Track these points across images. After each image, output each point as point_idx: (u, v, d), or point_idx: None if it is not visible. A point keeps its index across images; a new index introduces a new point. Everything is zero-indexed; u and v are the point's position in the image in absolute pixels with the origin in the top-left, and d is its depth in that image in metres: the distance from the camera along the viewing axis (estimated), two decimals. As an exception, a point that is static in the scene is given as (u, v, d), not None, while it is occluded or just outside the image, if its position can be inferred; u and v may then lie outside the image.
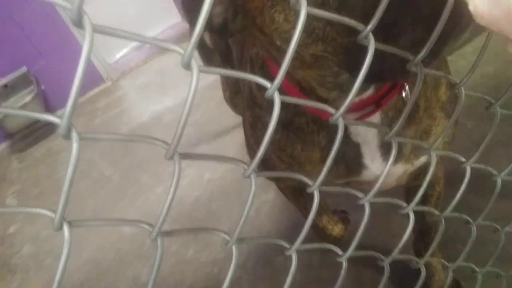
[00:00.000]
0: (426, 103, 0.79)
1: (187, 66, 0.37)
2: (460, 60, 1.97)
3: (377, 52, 0.45)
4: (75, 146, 0.36)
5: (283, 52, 0.61)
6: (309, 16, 0.53)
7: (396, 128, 0.57)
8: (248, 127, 0.92)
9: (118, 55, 3.45)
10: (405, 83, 0.71)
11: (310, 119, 0.78)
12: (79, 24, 0.33)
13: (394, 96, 0.72)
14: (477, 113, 1.60)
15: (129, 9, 3.39)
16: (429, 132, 0.81)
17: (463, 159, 0.70)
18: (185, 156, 0.42)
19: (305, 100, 0.50)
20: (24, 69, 2.99)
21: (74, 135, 0.36)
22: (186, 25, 3.52)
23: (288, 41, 0.57)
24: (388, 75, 0.53)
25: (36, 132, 3.04)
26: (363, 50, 0.45)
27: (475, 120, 1.60)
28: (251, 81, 0.86)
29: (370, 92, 0.70)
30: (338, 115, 0.46)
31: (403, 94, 0.71)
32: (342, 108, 0.46)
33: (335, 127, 0.50)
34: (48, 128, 3.01)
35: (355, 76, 0.48)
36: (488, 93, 0.69)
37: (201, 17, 0.36)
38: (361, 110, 0.71)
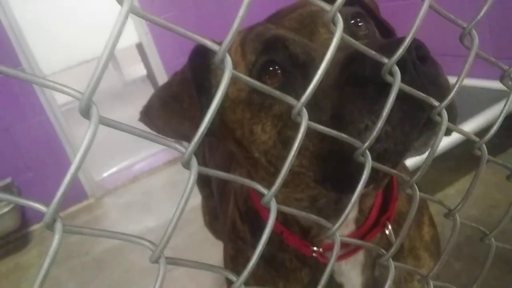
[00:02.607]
0: (411, 243, 0.78)
1: (187, 164, 0.37)
2: (444, 200, 1.99)
3: (353, 164, 0.47)
4: (57, 237, 0.33)
5: (261, 167, 0.63)
6: (285, 127, 0.55)
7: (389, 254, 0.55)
8: (228, 260, 0.88)
9: (105, 173, 3.47)
10: (388, 222, 0.71)
11: (293, 255, 0.76)
12: (86, 114, 0.34)
13: (378, 234, 0.72)
14: (465, 254, 1.58)
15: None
16: (413, 274, 0.79)
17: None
18: (171, 261, 0.39)
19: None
20: (8, 180, 2.96)
21: (58, 226, 0.34)
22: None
23: (265, 153, 0.59)
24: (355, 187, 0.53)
25: (6, 246, 2.88)
26: (336, 157, 0.48)
27: (463, 261, 1.57)
28: (234, 214, 0.86)
29: (352, 228, 0.70)
30: (334, 230, 0.44)
31: (387, 232, 0.72)
32: (338, 224, 0.45)
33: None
34: (20, 243, 2.87)
35: (331, 190, 0.49)
36: (474, 234, 0.69)
37: (203, 125, 0.37)
38: (344, 247, 0.70)
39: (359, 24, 0.64)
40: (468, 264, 1.56)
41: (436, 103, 0.45)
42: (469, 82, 2.16)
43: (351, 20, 0.63)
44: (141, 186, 3.30)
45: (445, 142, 1.83)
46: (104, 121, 0.35)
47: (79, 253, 2.55)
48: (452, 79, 0.48)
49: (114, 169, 3.49)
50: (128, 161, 3.52)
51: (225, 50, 0.36)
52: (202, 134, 0.36)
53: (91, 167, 3.26)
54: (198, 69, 0.65)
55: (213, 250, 2.12)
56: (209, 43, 0.36)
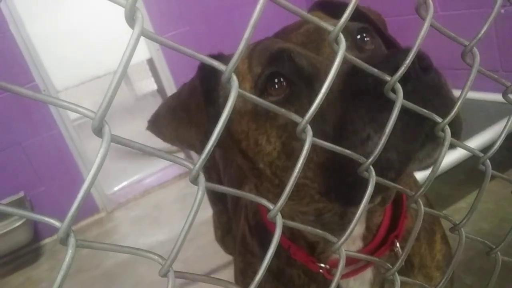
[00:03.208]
0: (421, 261, 0.77)
1: (195, 181, 0.38)
2: (455, 214, 1.99)
3: (357, 175, 0.47)
4: (70, 252, 0.35)
5: (265, 178, 0.64)
6: (290, 137, 0.57)
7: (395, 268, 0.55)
8: (238, 273, 0.89)
9: (116, 187, 3.49)
10: (396, 240, 0.71)
11: (301, 271, 0.76)
12: (99, 132, 0.35)
13: (386, 251, 0.71)
14: (476, 268, 1.56)
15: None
16: None
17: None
18: (180, 275, 0.41)
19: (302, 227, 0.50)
20: (21, 194, 3.00)
21: (71, 241, 0.35)
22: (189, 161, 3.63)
23: (270, 164, 0.60)
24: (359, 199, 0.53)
25: (18, 260, 2.91)
26: (340, 168, 0.48)
27: (474, 275, 1.55)
28: (244, 227, 0.87)
29: (359, 245, 0.70)
30: (340, 244, 0.45)
31: (395, 250, 0.71)
32: (344, 238, 0.46)
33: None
34: (32, 256, 2.90)
35: (335, 201, 0.50)
36: (485, 248, 0.69)
37: (213, 137, 0.38)
38: (352, 264, 0.70)
39: (366, 39, 0.65)
40: (480, 278, 1.54)
41: (439, 119, 0.46)
42: (479, 95, 2.15)
43: (357, 35, 0.64)
44: (152, 200, 3.32)
45: (454, 156, 1.82)
46: (116, 139, 0.36)
47: (90, 267, 2.57)
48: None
49: (125, 183, 3.52)
50: (138, 175, 3.54)
51: (231, 71, 0.38)
52: (209, 151, 0.37)
53: (103, 181, 3.29)
54: (207, 79, 0.67)
55: (224, 263, 2.12)
56: (215, 64, 0.38)
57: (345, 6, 0.54)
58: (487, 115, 2.10)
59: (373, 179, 0.45)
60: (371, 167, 0.46)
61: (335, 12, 0.70)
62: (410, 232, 0.74)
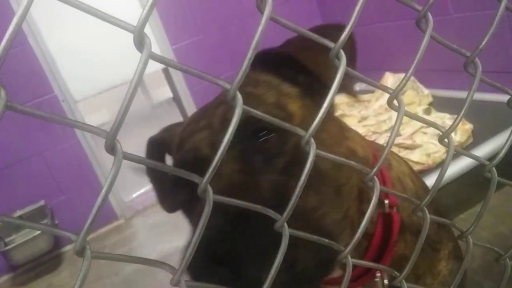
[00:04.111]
0: (419, 282, 0.72)
1: (203, 193, 0.40)
2: (472, 219, 1.96)
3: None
4: (85, 264, 0.37)
5: None
6: None
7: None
8: None
9: (134, 194, 3.54)
10: (379, 274, 0.66)
11: None
12: (111, 151, 0.37)
13: (366, 282, 0.68)
14: (495, 273, 1.54)
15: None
16: None
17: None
18: (191, 284, 0.42)
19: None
20: (42, 202, 3.07)
21: (87, 253, 0.37)
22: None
23: None
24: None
25: (40, 267, 2.98)
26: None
27: (493, 280, 1.54)
28: None
29: (339, 273, 0.66)
30: (347, 252, 0.46)
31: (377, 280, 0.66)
32: (351, 245, 0.47)
33: None
34: (53, 263, 2.96)
35: None
36: (494, 255, 0.67)
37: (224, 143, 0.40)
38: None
39: (265, 137, 0.57)
40: (499, 283, 1.52)
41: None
42: (497, 97, 2.13)
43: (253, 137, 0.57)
44: (169, 207, 3.36)
45: (470, 159, 1.80)
46: (128, 157, 0.38)
47: (109, 274, 2.61)
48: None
49: (142, 190, 3.57)
50: (156, 182, 3.59)
51: (235, 88, 0.40)
52: (216, 166, 0.39)
53: (121, 188, 3.35)
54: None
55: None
56: (221, 83, 0.40)
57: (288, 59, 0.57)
58: (506, 116, 2.07)
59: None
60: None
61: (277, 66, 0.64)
62: (402, 257, 0.68)
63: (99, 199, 0.35)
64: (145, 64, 0.36)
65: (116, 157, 0.36)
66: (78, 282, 0.36)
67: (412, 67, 0.43)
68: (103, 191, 0.35)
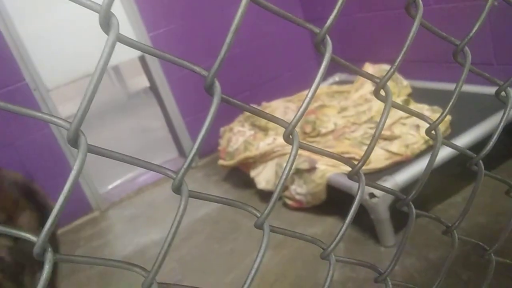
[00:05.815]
0: None
1: (177, 190, 0.37)
2: (450, 209, 1.99)
3: None
4: (47, 267, 0.33)
5: None
6: None
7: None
8: None
9: (110, 186, 3.47)
10: None
11: None
12: (75, 143, 0.34)
13: None
14: (472, 262, 1.56)
15: (129, 144, 3.52)
16: None
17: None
18: (164, 286, 0.39)
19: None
20: (14, 194, 2.98)
21: (48, 256, 0.34)
22: (182, 160, 3.62)
23: None
24: None
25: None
26: None
27: (471, 270, 1.55)
28: None
29: None
30: (330, 250, 0.44)
31: None
32: (334, 243, 0.45)
33: None
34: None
35: None
36: (481, 242, 0.67)
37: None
38: None
39: None
40: (477, 274, 1.54)
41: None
42: (474, 88, 2.15)
43: None
44: (146, 198, 3.30)
45: (449, 149, 1.81)
46: (94, 150, 0.35)
47: (85, 267, 2.55)
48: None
49: (118, 181, 3.50)
50: (132, 173, 3.52)
51: (213, 75, 0.36)
52: (192, 158, 0.36)
53: (96, 179, 3.27)
54: None
55: (219, 261, 2.11)
56: (197, 69, 0.37)
57: None
58: (482, 108, 2.09)
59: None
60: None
61: None
62: None
63: (61, 198, 0.32)
64: (112, 47, 0.32)
65: (80, 151, 0.33)
66: (41, 282, 0.33)
67: (401, 55, 0.41)
68: (65, 188, 0.32)
